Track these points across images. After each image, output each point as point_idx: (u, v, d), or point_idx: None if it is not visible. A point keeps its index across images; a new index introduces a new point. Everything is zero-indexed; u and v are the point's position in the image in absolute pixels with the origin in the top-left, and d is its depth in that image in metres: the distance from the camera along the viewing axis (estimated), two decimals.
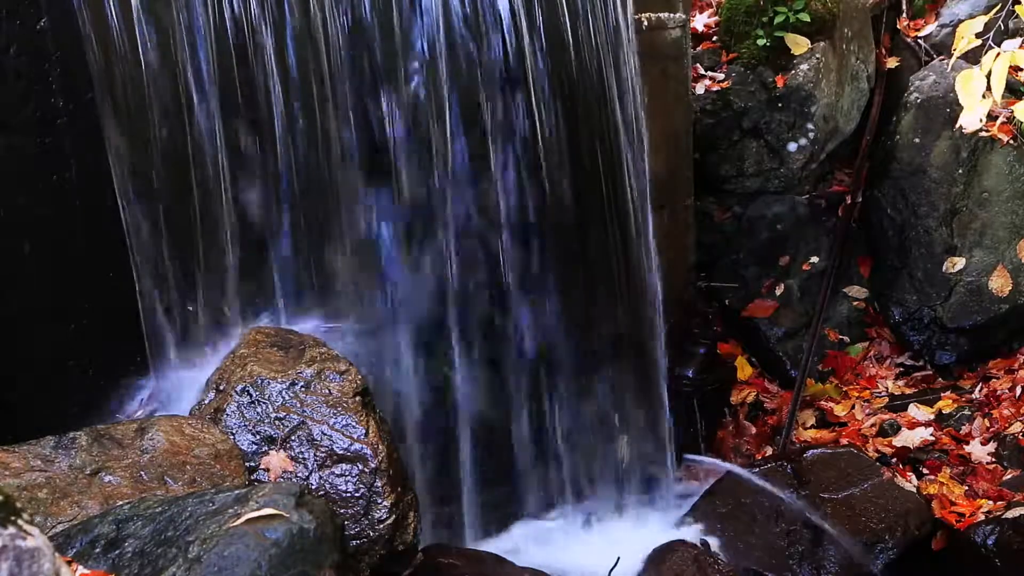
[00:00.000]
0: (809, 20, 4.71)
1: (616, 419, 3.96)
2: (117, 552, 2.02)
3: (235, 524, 1.94)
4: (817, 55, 4.76)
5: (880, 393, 4.62)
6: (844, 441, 4.29)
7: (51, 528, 2.24)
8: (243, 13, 2.94)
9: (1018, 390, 4.38)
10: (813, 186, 4.98)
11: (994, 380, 4.51)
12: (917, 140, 4.79)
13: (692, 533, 3.73)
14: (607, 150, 3.70)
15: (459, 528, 3.64)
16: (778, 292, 4.82)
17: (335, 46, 3.10)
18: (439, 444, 3.56)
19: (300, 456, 2.67)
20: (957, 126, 4.03)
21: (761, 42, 4.75)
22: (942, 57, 4.96)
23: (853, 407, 4.54)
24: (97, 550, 2.05)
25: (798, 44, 4.74)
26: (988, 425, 4.28)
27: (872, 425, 4.40)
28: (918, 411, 4.42)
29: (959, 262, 4.64)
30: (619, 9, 3.57)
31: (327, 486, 2.64)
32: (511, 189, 3.51)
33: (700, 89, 4.76)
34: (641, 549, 3.57)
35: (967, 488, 3.99)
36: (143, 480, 2.46)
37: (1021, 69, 4.47)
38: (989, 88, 2.65)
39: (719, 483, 3.94)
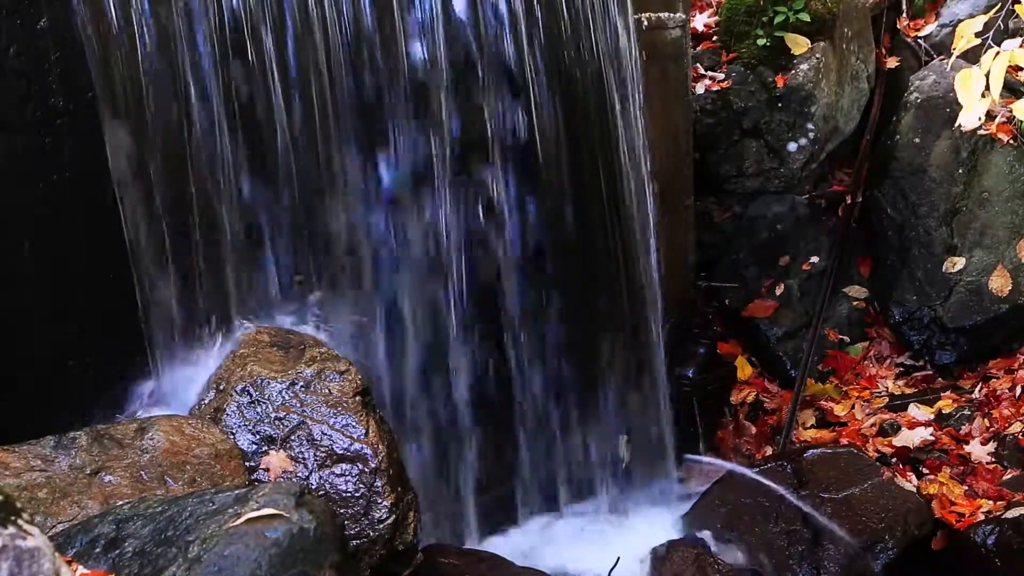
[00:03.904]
0: (809, 20, 4.71)
1: (616, 419, 3.96)
2: (117, 552, 2.03)
3: (235, 524, 1.94)
4: (817, 55, 4.75)
5: (880, 393, 4.62)
6: (844, 441, 4.29)
7: (51, 528, 2.24)
8: (243, 12, 2.94)
9: (1018, 390, 4.38)
10: (813, 186, 4.98)
11: (994, 380, 4.51)
12: (917, 140, 4.79)
13: (692, 533, 3.73)
14: (607, 150, 3.71)
15: (459, 528, 3.64)
16: (778, 292, 4.82)
17: (335, 46, 3.10)
18: (439, 444, 3.56)
19: (300, 456, 2.68)
20: (956, 125, 4.03)
21: (761, 42, 4.75)
22: (942, 57, 4.96)
23: (853, 407, 4.53)
24: (97, 550, 2.05)
25: (798, 44, 4.74)
26: (988, 425, 4.28)
27: (872, 425, 4.40)
28: (918, 411, 4.42)
29: (959, 262, 4.64)
30: (619, 9, 3.57)
31: (327, 486, 2.64)
32: (511, 189, 3.51)
33: (700, 89, 4.76)
34: (641, 549, 3.57)
35: (967, 488, 3.98)
36: (143, 480, 2.46)
37: (1021, 68, 4.47)
38: (989, 87, 2.65)
39: (719, 483, 3.93)
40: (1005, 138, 4.62)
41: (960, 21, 3.14)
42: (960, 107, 2.75)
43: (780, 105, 4.76)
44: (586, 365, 3.84)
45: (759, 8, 4.78)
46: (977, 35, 2.79)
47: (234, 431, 2.70)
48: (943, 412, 4.40)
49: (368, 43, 3.16)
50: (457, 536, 3.62)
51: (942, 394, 4.51)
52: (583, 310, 3.79)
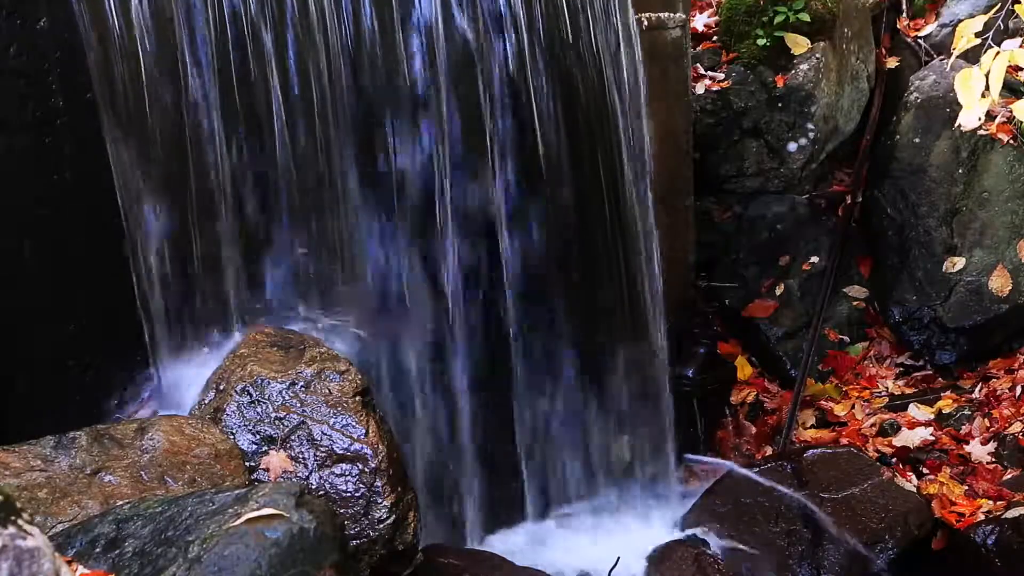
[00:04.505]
0: (809, 20, 4.71)
1: (616, 419, 3.96)
2: (117, 552, 2.03)
3: (235, 524, 1.94)
4: (817, 55, 4.76)
5: (880, 393, 4.62)
6: (844, 441, 4.29)
7: (51, 528, 2.24)
8: (243, 13, 2.94)
9: (1018, 390, 4.38)
10: (813, 186, 4.98)
11: (994, 380, 4.50)
12: (917, 140, 4.79)
13: (692, 533, 3.73)
14: (607, 150, 3.71)
15: (459, 528, 3.64)
16: (778, 292, 4.82)
17: (335, 46, 3.10)
18: (440, 444, 3.56)
19: (300, 456, 2.68)
20: (956, 125, 4.03)
21: (761, 42, 4.75)
22: (942, 57, 4.96)
23: (853, 407, 4.53)
24: (97, 550, 2.05)
25: (798, 44, 4.74)
26: (988, 425, 4.27)
27: (872, 425, 4.40)
28: (918, 411, 4.41)
29: (959, 262, 4.64)
30: (619, 9, 3.57)
31: (327, 486, 2.64)
32: (511, 190, 3.51)
33: (700, 89, 4.76)
34: (641, 549, 3.57)
35: (967, 488, 3.98)
36: (143, 480, 2.46)
37: (1020, 68, 4.47)
38: (988, 87, 2.65)
39: (719, 483, 3.93)
40: (1005, 138, 4.63)
41: (960, 21, 3.14)
42: (960, 107, 2.74)
43: (780, 105, 4.76)
44: (586, 365, 3.84)
45: (759, 8, 4.78)
46: (977, 35, 2.79)
47: (234, 431, 2.70)
48: (943, 412, 4.39)
49: (368, 44, 3.16)
50: (457, 536, 3.62)
51: (942, 394, 4.51)
52: (583, 310, 3.79)
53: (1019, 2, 2.91)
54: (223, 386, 2.80)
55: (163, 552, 1.96)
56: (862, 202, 4.97)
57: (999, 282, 4.56)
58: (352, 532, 2.59)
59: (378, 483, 2.65)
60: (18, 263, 2.73)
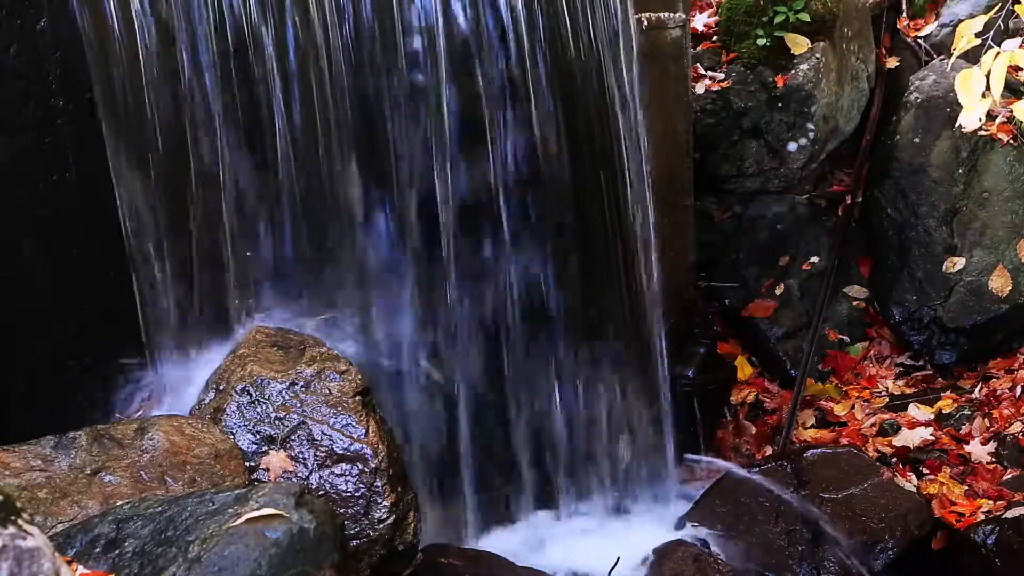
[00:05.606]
0: (809, 20, 4.71)
1: (616, 419, 3.96)
2: (117, 552, 2.03)
3: (235, 524, 1.95)
4: (817, 55, 4.75)
5: (880, 393, 4.62)
6: (844, 441, 4.29)
7: (51, 528, 2.24)
8: (243, 13, 2.94)
9: (1018, 390, 4.38)
10: (813, 186, 4.98)
11: (994, 380, 4.50)
12: (917, 140, 4.79)
13: (692, 533, 3.73)
14: (607, 150, 3.70)
15: (459, 528, 3.64)
16: (778, 292, 4.82)
17: (335, 46, 3.10)
18: (440, 444, 3.56)
19: (300, 456, 2.68)
20: (957, 125, 4.03)
21: (761, 42, 4.75)
22: (942, 57, 4.96)
23: (853, 407, 4.53)
24: (97, 550, 2.05)
25: (798, 44, 4.74)
26: (988, 425, 4.27)
27: (872, 425, 4.40)
28: (918, 411, 4.41)
29: (959, 262, 4.64)
30: (619, 9, 3.57)
31: (327, 486, 2.64)
32: (511, 190, 3.50)
33: (700, 89, 4.76)
34: (641, 549, 3.57)
35: (967, 488, 3.98)
36: (143, 480, 2.46)
37: (1021, 69, 4.47)
38: (989, 87, 2.65)
39: (719, 483, 3.93)
40: (1005, 138, 4.62)
41: (960, 21, 3.14)
42: (960, 107, 2.74)
43: (780, 105, 4.76)
44: (585, 364, 3.84)
45: (759, 8, 4.78)
46: (977, 35, 2.79)
47: (234, 431, 2.70)
48: (943, 412, 4.39)
49: (368, 44, 3.16)
50: (457, 536, 3.62)
51: (942, 394, 4.51)
52: (583, 310, 3.79)
53: (1019, 2, 2.91)
54: (223, 386, 2.80)
55: (163, 552, 1.96)
56: (862, 202, 4.97)
57: (999, 282, 4.56)
58: (352, 532, 2.59)
59: (378, 483, 2.65)
60: (18, 263, 2.74)
